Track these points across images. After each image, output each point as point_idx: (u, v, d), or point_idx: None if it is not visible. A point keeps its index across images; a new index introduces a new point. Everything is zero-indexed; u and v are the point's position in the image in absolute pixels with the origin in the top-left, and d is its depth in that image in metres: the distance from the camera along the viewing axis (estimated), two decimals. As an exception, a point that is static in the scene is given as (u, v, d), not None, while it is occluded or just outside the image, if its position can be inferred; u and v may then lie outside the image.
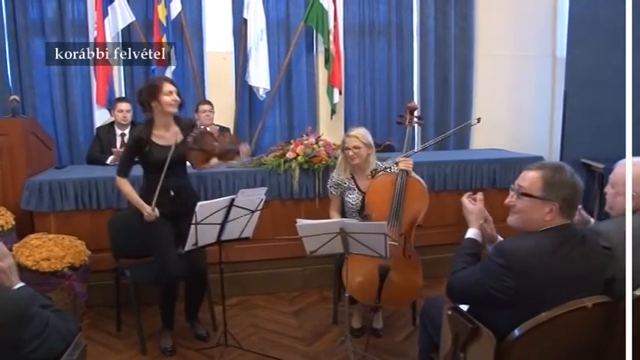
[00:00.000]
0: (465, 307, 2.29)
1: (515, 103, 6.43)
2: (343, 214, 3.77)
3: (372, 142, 3.72)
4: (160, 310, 3.63)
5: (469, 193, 2.52)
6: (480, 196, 2.49)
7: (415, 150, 4.16)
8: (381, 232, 2.91)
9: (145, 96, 3.42)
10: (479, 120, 3.58)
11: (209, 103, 5.36)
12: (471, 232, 2.41)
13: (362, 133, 3.69)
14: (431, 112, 6.18)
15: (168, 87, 3.40)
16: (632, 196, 2.34)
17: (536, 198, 2.14)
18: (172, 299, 3.57)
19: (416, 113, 3.81)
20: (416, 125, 4.03)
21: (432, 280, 4.00)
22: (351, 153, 3.66)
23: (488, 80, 6.34)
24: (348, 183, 3.75)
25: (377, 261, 3.19)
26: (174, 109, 3.43)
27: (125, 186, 3.50)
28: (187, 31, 5.62)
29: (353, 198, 3.72)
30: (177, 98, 3.43)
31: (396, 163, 3.61)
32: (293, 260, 4.41)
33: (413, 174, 3.60)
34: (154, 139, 3.44)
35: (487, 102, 6.33)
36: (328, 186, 3.87)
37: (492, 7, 6.29)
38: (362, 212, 3.68)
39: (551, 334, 2.02)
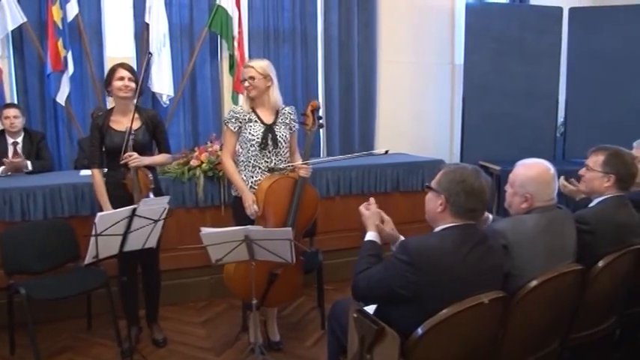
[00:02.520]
0: (371, 310, 2.33)
1: (416, 108, 6.66)
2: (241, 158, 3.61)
3: (272, 75, 3.52)
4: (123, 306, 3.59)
5: (365, 202, 2.60)
6: (372, 200, 2.59)
7: (318, 160, 4.06)
8: (287, 237, 2.91)
9: (105, 81, 3.54)
10: (386, 152, 3.54)
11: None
12: (370, 235, 2.48)
13: (259, 64, 3.49)
14: (336, 117, 6.26)
15: (120, 73, 3.48)
16: (526, 196, 2.50)
17: (433, 191, 2.25)
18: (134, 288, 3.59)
19: (319, 113, 3.68)
20: (322, 127, 3.93)
21: (340, 283, 4.05)
22: (246, 84, 3.48)
23: (391, 86, 6.52)
24: (248, 115, 3.52)
25: (268, 266, 3.15)
26: (124, 94, 3.49)
27: (97, 177, 3.55)
28: (85, 35, 5.38)
29: (255, 129, 3.49)
30: (130, 84, 3.48)
31: (295, 168, 3.49)
32: (200, 269, 4.33)
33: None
34: (111, 124, 3.53)
35: (390, 107, 6.50)
36: (224, 121, 3.60)
37: (394, 16, 6.48)
38: (264, 145, 3.49)
39: (451, 330, 2.08)
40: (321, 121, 3.67)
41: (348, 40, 6.28)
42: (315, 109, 3.62)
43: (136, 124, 3.50)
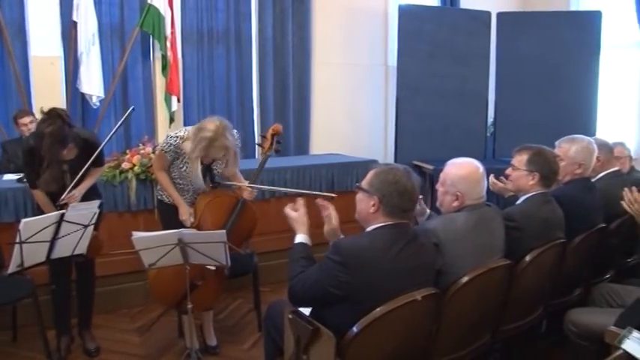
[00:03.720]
0: (307, 311, 2.34)
1: (351, 109, 6.73)
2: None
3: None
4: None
5: (290, 204, 2.59)
6: (300, 200, 2.58)
7: (262, 187, 3.95)
8: (222, 240, 2.88)
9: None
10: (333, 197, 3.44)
11: (30, 114, 4.87)
12: (300, 237, 2.48)
13: (233, 143, 3.32)
14: (270, 118, 6.22)
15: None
16: (457, 195, 2.56)
17: (365, 192, 2.27)
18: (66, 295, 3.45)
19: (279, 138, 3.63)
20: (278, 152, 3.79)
21: (276, 285, 4.04)
22: (221, 161, 3.41)
23: (325, 88, 6.56)
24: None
25: (190, 275, 3.08)
26: None
27: (40, 197, 3.39)
28: (7, 33, 5.14)
29: (193, 168, 3.35)
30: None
31: (240, 188, 3.46)
32: (133, 275, 4.21)
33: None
34: None
35: (325, 108, 6.55)
36: (162, 149, 3.39)
37: (328, 18, 6.53)
38: (207, 178, 3.42)
39: (386, 327, 2.12)
40: (279, 145, 3.65)
41: (283, 42, 6.28)
42: (277, 134, 3.59)
43: (72, 154, 3.33)
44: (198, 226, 3.34)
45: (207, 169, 3.44)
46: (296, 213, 2.53)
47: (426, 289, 2.20)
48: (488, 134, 6.76)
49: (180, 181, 3.46)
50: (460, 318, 2.47)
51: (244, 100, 6.17)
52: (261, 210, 4.42)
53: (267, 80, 6.25)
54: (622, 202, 2.84)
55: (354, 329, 2.07)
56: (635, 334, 2.05)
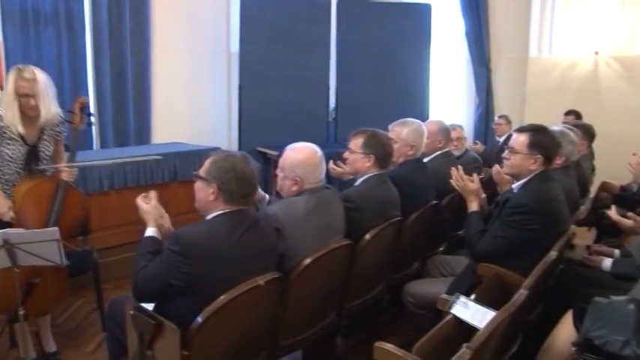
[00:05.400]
0: (151, 307, 2.26)
1: (193, 96, 6.58)
2: None
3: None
4: None
5: (143, 193, 2.49)
6: (153, 193, 2.49)
7: (86, 163, 3.68)
8: (54, 238, 2.68)
9: None
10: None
11: None
12: (149, 230, 2.39)
13: (42, 77, 3.05)
14: (108, 108, 5.91)
15: None
16: (296, 179, 2.60)
17: (203, 180, 2.24)
18: None
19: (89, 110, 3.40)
20: (92, 126, 3.61)
21: (120, 281, 3.87)
22: (31, 102, 3.02)
23: (166, 75, 6.35)
24: (9, 132, 3.06)
25: (24, 275, 2.83)
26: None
27: None
28: None
29: (15, 150, 3.09)
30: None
31: (58, 170, 3.17)
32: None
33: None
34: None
35: (166, 96, 6.34)
36: None
37: (167, 3, 6.30)
38: (25, 166, 3.13)
39: (231, 315, 2.11)
40: (91, 118, 3.42)
41: (120, 26, 5.94)
42: (84, 106, 3.33)
43: None
44: (18, 221, 3.04)
45: (33, 152, 3.15)
46: (147, 205, 2.44)
47: (269, 274, 2.22)
48: (330, 119, 6.96)
49: (7, 176, 3.15)
50: (305, 299, 2.53)
51: (78, 89, 5.75)
52: (100, 203, 4.22)
53: (103, 67, 5.90)
54: (451, 180, 3.04)
55: (199, 319, 2.04)
56: (462, 299, 2.23)
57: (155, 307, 2.25)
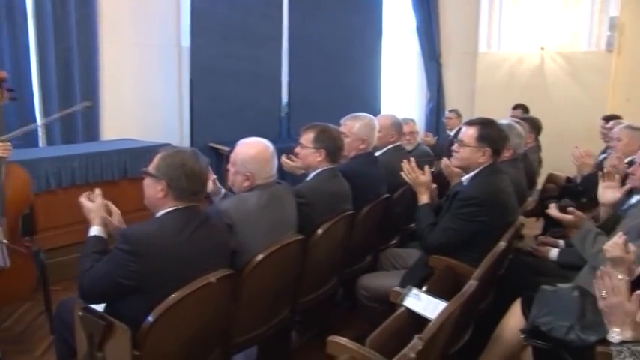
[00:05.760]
0: (101, 308, 2.21)
1: (143, 92, 6.45)
2: None
3: None
4: None
5: (87, 192, 2.44)
6: (97, 191, 2.45)
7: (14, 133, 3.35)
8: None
9: None
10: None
11: None
12: (94, 230, 2.34)
13: None
14: (54, 102, 5.72)
15: None
16: (247, 175, 2.58)
17: (152, 176, 2.20)
18: None
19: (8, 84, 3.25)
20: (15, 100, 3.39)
21: (70, 282, 3.76)
22: None
23: (115, 69, 6.20)
24: None
25: None
26: None
27: None
28: None
29: None
30: None
31: None
32: None
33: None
34: None
35: (115, 91, 6.20)
36: None
37: (114, -4, 6.16)
38: None
39: (182, 313, 2.09)
40: (11, 93, 3.28)
41: (65, 18, 5.75)
42: (2, 80, 3.21)
43: None
44: None
45: None
46: (92, 203, 2.38)
47: (221, 271, 2.20)
48: (282, 114, 6.94)
49: None
50: (258, 295, 2.51)
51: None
52: (47, 202, 4.11)
53: (48, 61, 5.71)
54: (402, 173, 3.07)
55: (150, 319, 2.01)
56: (414, 291, 2.26)
57: (105, 308, 2.21)
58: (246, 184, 2.58)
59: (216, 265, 2.21)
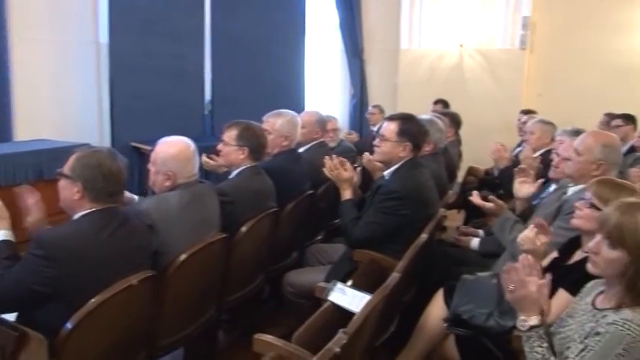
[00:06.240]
0: (12, 317, 2.11)
1: (59, 90, 6.16)
2: None
3: None
4: None
5: None
6: None
7: None
8: None
9: None
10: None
11: None
12: (1, 234, 2.21)
13: None
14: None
15: None
16: (168, 174, 2.53)
17: (67, 178, 2.14)
18: None
19: None
20: None
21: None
22: None
23: (29, 67, 5.89)
24: None
25: None
26: None
27: None
28: None
29: None
30: None
31: None
32: None
33: None
34: None
35: (29, 90, 5.89)
36: None
37: (25, -12, 5.87)
38: None
39: (103, 318, 2.03)
40: None
41: (-30, 13, 5.46)
42: None
43: None
44: None
45: None
46: None
47: (142, 272, 2.15)
48: (206, 112, 6.83)
49: None
50: (183, 296, 2.47)
51: None
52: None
53: (-47, 59, 5.40)
54: (324, 169, 3.08)
55: (68, 325, 1.93)
56: (339, 285, 2.28)
57: (18, 317, 2.10)
58: (168, 183, 2.53)
59: (138, 266, 2.16)
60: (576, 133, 3.13)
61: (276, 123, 3.42)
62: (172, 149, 2.55)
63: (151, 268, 2.24)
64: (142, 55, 6.14)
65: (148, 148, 5.68)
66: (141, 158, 5.78)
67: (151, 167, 2.60)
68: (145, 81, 6.12)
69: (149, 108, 6.10)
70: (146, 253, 2.27)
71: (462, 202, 4.75)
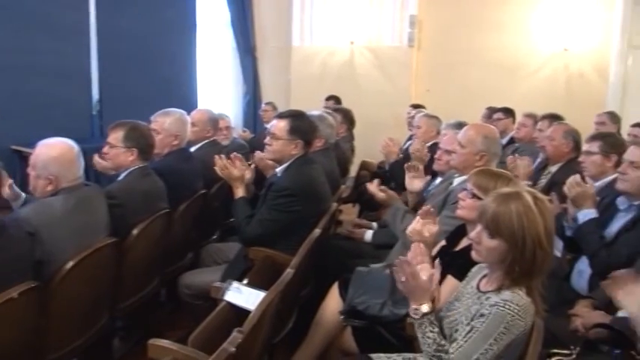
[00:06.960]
0: None
1: None
2: None
3: None
4: None
5: None
6: None
7: None
8: None
9: None
10: None
11: None
12: None
13: None
14: None
15: None
16: (50, 178, 2.41)
17: None
18: None
19: None
20: None
21: None
22: None
23: None
24: None
25: None
26: None
27: None
28: None
29: None
30: None
31: None
32: None
33: None
34: None
35: None
36: None
37: None
38: None
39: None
40: None
41: None
42: None
43: None
44: None
45: None
46: None
47: (23, 284, 2.03)
48: (94, 112, 6.55)
49: None
50: (71, 306, 2.38)
51: None
52: None
53: None
54: (215, 168, 3.05)
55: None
56: (234, 284, 2.28)
57: None
58: (50, 187, 2.41)
59: (17, 278, 2.04)
60: (459, 126, 3.29)
61: (164, 122, 3.34)
62: (53, 151, 2.44)
63: (33, 278, 2.12)
64: (21, 52, 5.76)
65: (31, 151, 5.37)
66: (23, 162, 5.44)
67: (31, 171, 2.48)
68: (25, 79, 5.75)
69: (30, 108, 5.74)
70: (26, 264, 2.14)
71: (356, 196, 4.87)
